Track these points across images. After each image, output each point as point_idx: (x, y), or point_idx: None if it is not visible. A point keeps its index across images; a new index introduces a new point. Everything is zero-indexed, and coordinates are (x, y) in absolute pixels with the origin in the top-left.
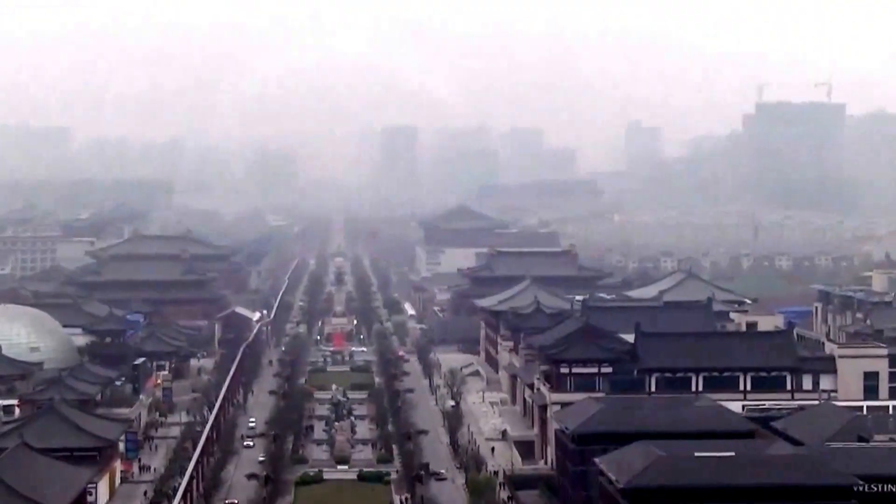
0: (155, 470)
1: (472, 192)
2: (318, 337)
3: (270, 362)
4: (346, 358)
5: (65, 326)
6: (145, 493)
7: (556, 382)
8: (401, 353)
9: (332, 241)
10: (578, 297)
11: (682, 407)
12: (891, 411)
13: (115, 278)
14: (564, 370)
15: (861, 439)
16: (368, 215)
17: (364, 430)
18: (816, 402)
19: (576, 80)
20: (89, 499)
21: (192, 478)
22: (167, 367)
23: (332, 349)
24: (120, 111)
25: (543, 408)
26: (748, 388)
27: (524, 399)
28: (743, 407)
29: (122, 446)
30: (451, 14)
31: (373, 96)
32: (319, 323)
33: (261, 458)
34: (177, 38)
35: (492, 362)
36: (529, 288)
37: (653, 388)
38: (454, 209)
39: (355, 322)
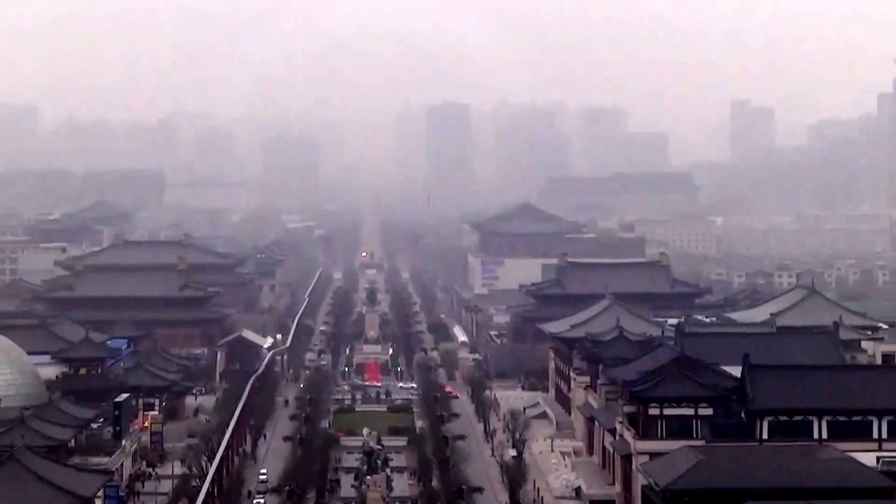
0: None
1: (537, 187)
2: (346, 369)
3: (286, 401)
4: (381, 395)
5: (29, 354)
6: None
7: (643, 427)
8: (449, 389)
9: (364, 248)
10: (671, 321)
11: (801, 458)
12: None
13: (92, 294)
14: (654, 411)
15: None
16: (408, 216)
17: (403, 485)
18: None
19: (664, 51)
20: None
21: None
22: (157, 406)
23: (363, 384)
24: (98, 88)
25: (627, 458)
26: (884, 435)
27: (603, 448)
28: (878, 459)
29: None
30: None
31: (413, 69)
32: (347, 351)
33: None
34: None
35: (563, 401)
36: (610, 308)
37: (764, 435)
38: (516, 208)
39: (392, 350)
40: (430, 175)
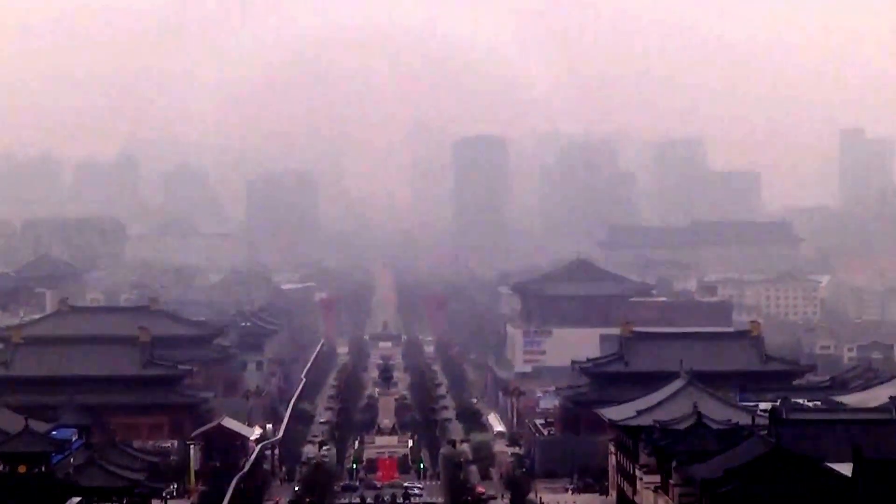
0: None
1: (594, 239)
2: (354, 466)
3: None
4: (398, 499)
5: None
6: None
7: None
8: (482, 489)
9: (376, 314)
10: (764, 405)
11: None
12: None
13: (33, 373)
14: None
15: None
16: (431, 275)
17: None
18: None
19: (749, 74)
20: None
21: None
22: None
23: (375, 484)
24: (38, 119)
25: None
26: None
27: None
28: None
29: None
30: None
31: (436, 90)
32: (356, 444)
33: None
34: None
35: None
36: (686, 390)
37: None
38: (567, 266)
39: (412, 443)
40: (458, 223)
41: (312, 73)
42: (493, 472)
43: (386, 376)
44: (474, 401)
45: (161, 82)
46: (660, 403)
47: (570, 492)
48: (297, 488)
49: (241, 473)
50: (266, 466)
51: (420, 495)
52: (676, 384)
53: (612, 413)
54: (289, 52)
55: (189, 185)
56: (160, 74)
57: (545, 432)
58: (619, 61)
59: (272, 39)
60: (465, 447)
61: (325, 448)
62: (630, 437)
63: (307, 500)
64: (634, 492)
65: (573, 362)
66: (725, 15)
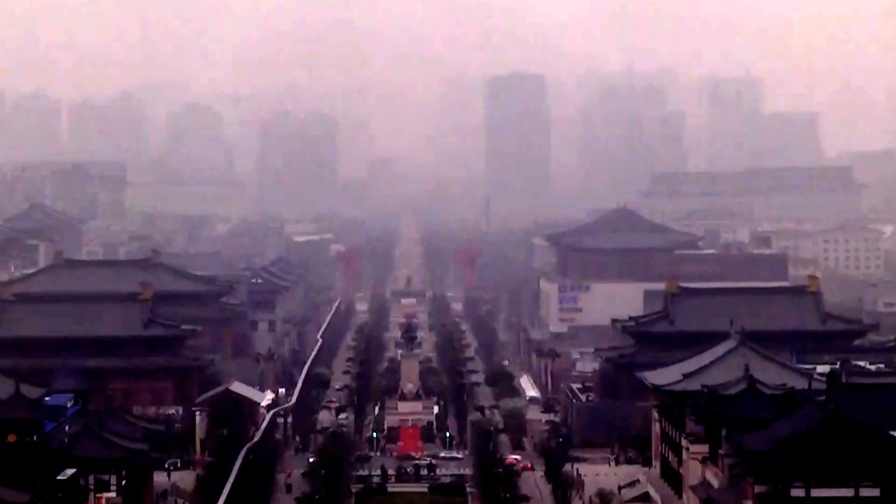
0: None
1: (638, 186)
2: (374, 434)
3: (288, 483)
4: (423, 470)
5: None
6: None
7: None
8: (515, 460)
9: (399, 269)
10: (821, 368)
11: None
12: None
13: (25, 333)
14: (798, 493)
15: None
16: (460, 226)
17: None
18: None
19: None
20: None
21: None
22: (115, 486)
23: (397, 454)
24: (32, 57)
25: None
26: None
27: None
28: None
29: None
30: None
31: (466, 29)
32: (376, 410)
33: None
34: None
35: (671, 479)
36: (737, 351)
37: None
38: (608, 215)
39: (437, 409)
40: (489, 170)
41: (340, 18)
42: (526, 442)
43: (409, 336)
44: (505, 363)
45: (171, 19)
46: (708, 366)
47: (610, 463)
48: (311, 459)
49: (251, 443)
50: (278, 435)
51: (446, 466)
52: (726, 345)
53: (656, 377)
54: None
55: (196, 129)
56: (171, 9)
57: (583, 398)
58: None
59: None
60: (496, 414)
61: (342, 415)
62: (676, 404)
63: (323, 472)
64: (680, 463)
65: (613, 321)
66: None
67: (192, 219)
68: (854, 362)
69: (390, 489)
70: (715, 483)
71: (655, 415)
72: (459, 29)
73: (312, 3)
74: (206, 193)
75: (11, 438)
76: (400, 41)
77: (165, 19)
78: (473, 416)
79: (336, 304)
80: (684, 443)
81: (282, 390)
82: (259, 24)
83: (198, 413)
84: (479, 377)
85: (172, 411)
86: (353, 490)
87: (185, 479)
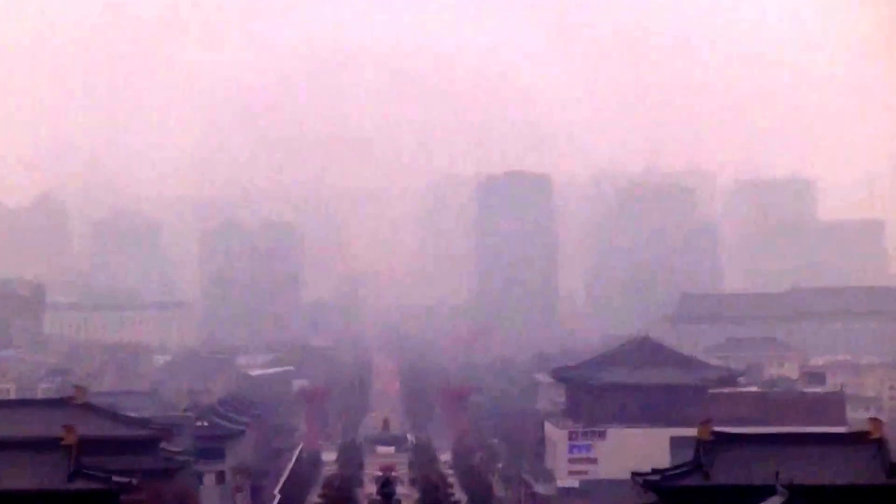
0: None
1: (663, 308)
2: None
3: None
4: None
5: None
6: None
7: None
8: None
9: (374, 409)
10: None
11: None
12: None
13: None
14: None
15: None
16: (446, 358)
17: None
18: None
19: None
20: None
21: None
22: None
23: None
24: None
25: None
26: None
27: None
28: None
29: None
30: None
31: (452, 122)
32: None
33: None
34: None
35: None
36: None
37: None
38: (626, 345)
39: None
40: (482, 290)
41: (301, 106)
42: None
43: (387, 493)
44: None
45: (102, 104)
46: None
47: None
48: None
49: None
50: None
51: None
52: (773, 503)
53: None
54: (275, 73)
55: (129, 239)
56: (94, 94)
57: None
58: (684, 83)
59: (254, 57)
60: None
61: None
62: None
63: None
64: None
65: (634, 474)
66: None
67: (122, 348)
68: None
69: None
70: None
71: None
72: (449, 125)
73: (275, 88)
74: (139, 318)
75: None
76: (378, 139)
77: (95, 105)
78: None
79: (298, 451)
80: None
81: None
82: (212, 116)
83: None
84: None
85: None
86: None
87: None
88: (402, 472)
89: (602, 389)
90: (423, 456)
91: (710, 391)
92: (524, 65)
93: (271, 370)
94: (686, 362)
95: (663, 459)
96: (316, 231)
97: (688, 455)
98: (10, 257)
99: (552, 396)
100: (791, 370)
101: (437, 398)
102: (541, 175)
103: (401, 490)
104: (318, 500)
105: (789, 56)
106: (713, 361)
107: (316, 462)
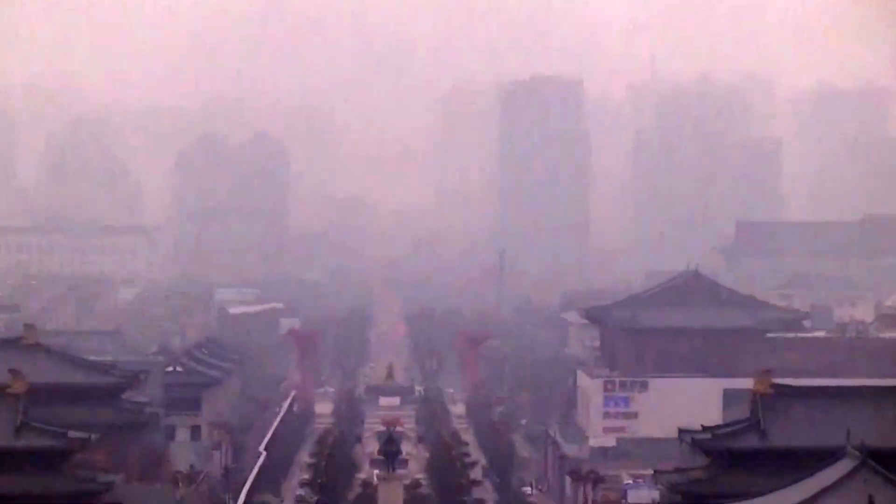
0: None
1: (715, 239)
2: None
3: None
4: None
5: None
6: None
7: None
8: None
9: (375, 354)
10: None
11: None
12: None
13: None
14: None
15: None
16: (464, 296)
17: None
18: None
19: None
20: None
21: None
22: None
23: None
24: None
25: None
26: None
27: None
28: None
29: None
30: None
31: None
32: None
33: None
34: None
35: None
36: (855, 477)
37: None
38: (671, 281)
39: None
40: (503, 217)
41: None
42: None
43: (390, 451)
44: (527, 491)
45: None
46: (815, 498)
47: None
48: None
49: None
50: None
51: None
52: (841, 467)
53: None
54: None
55: (89, 153)
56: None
57: None
58: None
59: None
60: None
61: None
62: None
63: None
64: None
65: (681, 432)
66: None
67: (82, 282)
68: None
69: None
70: None
71: None
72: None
73: None
74: (101, 246)
75: None
76: (383, 44)
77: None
78: None
79: (287, 403)
80: None
81: None
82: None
83: None
84: None
85: None
86: None
87: None
88: (408, 427)
89: (644, 333)
90: (432, 409)
91: (770, 336)
92: None
93: (255, 308)
94: (742, 302)
95: (715, 416)
96: (309, 150)
97: (743, 411)
98: None
99: (585, 341)
100: (865, 312)
101: (448, 343)
102: (571, 81)
103: (406, 448)
104: (310, 459)
105: None
106: (773, 301)
107: (308, 416)
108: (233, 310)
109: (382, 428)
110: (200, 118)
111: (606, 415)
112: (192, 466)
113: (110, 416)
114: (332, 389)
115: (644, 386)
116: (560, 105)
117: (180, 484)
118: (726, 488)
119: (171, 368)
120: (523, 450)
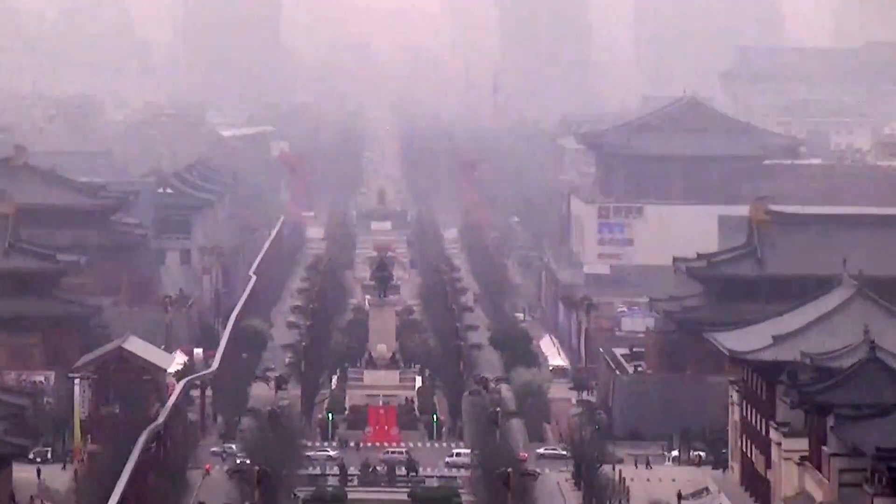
0: None
1: (712, 64)
2: (330, 415)
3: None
4: (399, 469)
5: None
6: None
7: None
8: (527, 456)
9: (368, 178)
10: None
11: None
12: None
13: None
14: None
15: None
16: (456, 119)
17: None
18: None
19: None
20: None
21: None
22: None
23: (363, 445)
24: None
25: None
26: None
27: None
28: None
29: None
30: None
31: None
32: (333, 381)
33: None
34: None
35: (756, 486)
36: (852, 305)
37: None
38: (668, 107)
39: (420, 382)
40: (502, 41)
41: None
42: (549, 431)
43: (382, 277)
44: (520, 317)
45: None
46: (811, 326)
47: (670, 461)
48: (239, 447)
49: (153, 425)
50: (193, 415)
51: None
52: (837, 296)
53: (736, 341)
54: None
55: None
56: None
57: (630, 369)
58: None
59: None
60: (505, 390)
61: (284, 388)
62: (763, 380)
63: (257, 468)
64: (768, 464)
65: (675, 260)
66: None
67: (73, 102)
68: None
69: (352, 495)
70: (818, 495)
71: (734, 396)
72: None
73: None
74: (92, 66)
75: None
76: None
77: None
78: (473, 392)
79: (278, 227)
80: (774, 436)
81: (198, 351)
82: None
83: (77, 381)
84: (481, 336)
85: (41, 378)
86: (300, 496)
87: (57, 476)
88: (400, 252)
89: (640, 159)
90: (425, 234)
91: (767, 163)
92: None
93: (247, 130)
94: (739, 128)
95: (710, 243)
96: None
97: (739, 238)
98: None
99: (580, 166)
100: (863, 139)
101: (442, 167)
102: None
103: (398, 274)
104: (302, 283)
105: None
106: (771, 128)
107: (299, 239)
108: (224, 132)
109: (374, 253)
110: None
111: (601, 241)
112: (181, 290)
113: (100, 237)
114: (323, 214)
115: (639, 212)
116: None
117: (169, 308)
118: (721, 316)
119: (161, 190)
120: (516, 276)
